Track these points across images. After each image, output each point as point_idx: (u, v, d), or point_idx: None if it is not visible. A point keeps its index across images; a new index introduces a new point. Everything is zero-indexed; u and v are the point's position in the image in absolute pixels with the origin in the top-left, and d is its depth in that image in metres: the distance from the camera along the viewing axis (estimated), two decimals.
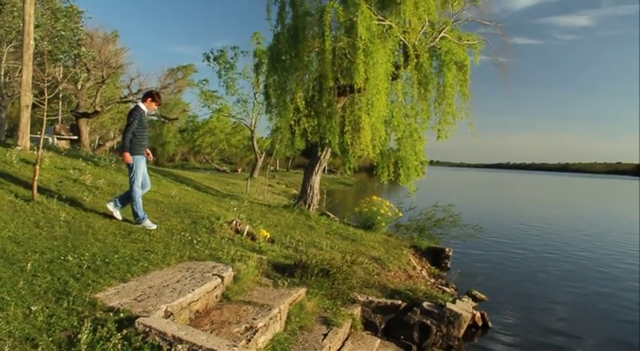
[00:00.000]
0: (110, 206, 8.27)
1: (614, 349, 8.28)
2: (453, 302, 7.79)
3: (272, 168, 61.35)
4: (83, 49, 14.10)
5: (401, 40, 12.68)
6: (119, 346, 3.98)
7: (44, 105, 10.03)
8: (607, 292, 11.81)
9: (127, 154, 8.01)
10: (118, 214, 8.26)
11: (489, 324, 8.89)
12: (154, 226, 8.13)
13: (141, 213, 8.13)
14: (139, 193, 8.15)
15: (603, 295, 11.55)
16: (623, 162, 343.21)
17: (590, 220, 29.38)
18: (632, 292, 11.87)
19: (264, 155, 43.46)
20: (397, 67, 12.66)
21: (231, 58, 36.81)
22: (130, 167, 8.14)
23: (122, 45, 30.73)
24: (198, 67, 39.39)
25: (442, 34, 13.54)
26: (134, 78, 29.03)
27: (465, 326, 7.58)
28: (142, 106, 8.25)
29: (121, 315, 4.44)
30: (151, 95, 8.39)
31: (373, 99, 11.36)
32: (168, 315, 4.80)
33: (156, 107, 8.50)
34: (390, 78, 12.23)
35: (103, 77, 26.22)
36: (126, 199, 8.33)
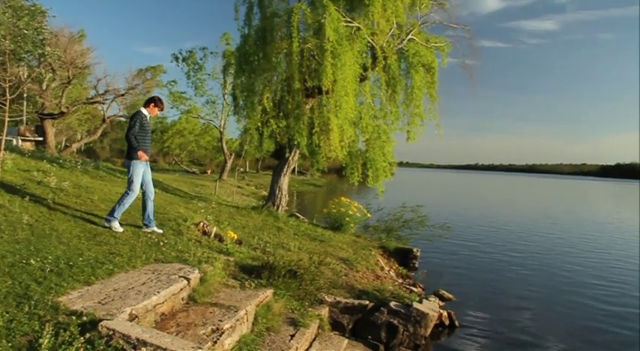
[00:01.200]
0: (148, 229, 8.35)
1: (578, 346, 8.43)
2: (420, 302, 7.86)
3: (242, 169, 61.10)
4: (48, 48, 13.82)
5: (369, 41, 12.74)
6: (82, 350, 3.92)
7: (6, 106, 9.83)
8: (572, 290, 12.06)
9: (141, 152, 8.07)
10: (154, 228, 8.42)
11: (456, 323, 9.00)
12: (121, 229, 8.03)
13: (116, 214, 8.07)
14: (131, 197, 8.16)
15: (568, 293, 11.78)
16: (588, 163, 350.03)
17: (555, 220, 29.90)
18: (596, 289, 12.13)
19: (233, 157, 43.28)
20: (365, 69, 12.71)
21: (201, 59, 36.67)
22: (129, 170, 8.16)
23: (89, 45, 30.20)
24: (167, 68, 39.15)
25: (410, 37, 13.64)
26: (101, 78, 28.53)
27: (431, 325, 7.64)
28: (144, 111, 8.26)
29: (84, 318, 4.37)
30: (153, 100, 8.45)
31: (341, 100, 11.40)
32: (132, 318, 4.75)
33: (159, 112, 8.54)
34: (358, 80, 12.28)
35: (68, 77, 25.77)
36: (144, 208, 8.44)
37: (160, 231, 8.41)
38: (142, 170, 8.18)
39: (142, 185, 8.32)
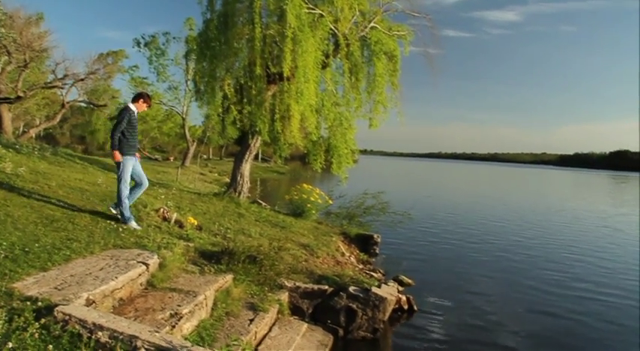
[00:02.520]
0: (135, 226, 8.16)
1: (534, 329, 8.66)
2: (379, 287, 7.97)
3: (205, 156, 60.66)
4: (2, 30, 13.46)
5: (331, 29, 12.75)
6: (37, 335, 3.90)
7: None
8: (528, 275, 12.38)
9: (117, 153, 8.02)
10: (134, 224, 8.18)
11: (415, 307, 9.15)
12: (140, 227, 8.05)
13: (127, 213, 8.12)
14: (125, 193, 8.12)
15: (525, 278, 12.09)
16: (548, 153, 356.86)
17: (515, 208, 30.50)
18: (551, 274, 12.49)
19: (195, 143, 42.88)
20: (327, 56, 12.72)
21: (163, 44, 36.07)
22: (118, 166, 8.12)
23: (47, 28, 29.35)
24: (129, 53, 38.26)
25: (372, 24, 13.69)
26: (60, 63, 27.80)
27: (390, 310, 7.77)
28: (132, 106, 8.23)
29: (40, 304, 4.34)
30: (142, 96, 8.45)
31: (302, 87, 11.41)
32: (90, 303, 4.74)
33: (146, 108, 8.55)
34: (320, 66, 12.30)
35: (25, 61, 25.09)
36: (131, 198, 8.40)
37: (138, 227, 8.25)
38: (131, 165, 8.19)
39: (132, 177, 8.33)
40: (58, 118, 31.04)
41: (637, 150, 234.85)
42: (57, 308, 4.25)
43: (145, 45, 35.92)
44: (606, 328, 8.91)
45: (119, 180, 8.12)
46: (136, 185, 8.42)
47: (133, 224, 8.06)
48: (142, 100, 8.36)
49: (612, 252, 16.35)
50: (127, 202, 8.13)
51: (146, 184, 8.57)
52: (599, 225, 23.85)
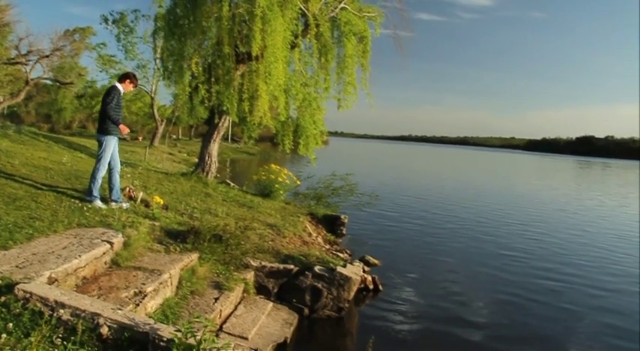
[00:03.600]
0: (115, 205, 8.15)
1: (497, 309, 8.89)
2: (344, 266, 8.05)
3: (174, 136, 59.95)
4: None
5: (301, 8, 12.66)
6: None
7: None
8: (494, 257, 12.65)
9: (123, 126, 8.18)
10: (122, 204, 8.30)
11: (380, 287, 9.29)
12: (105, 206, 8.04)
13: (95, 192, 8.12)
14: (102, 172, 8.15)
15: (491, 260, 12.35)
16: (516, 137, 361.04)
17: (482, 192, 30.98)
18: (518, 256, 12.78)
19: (164, 123, 42.37)
20: (296, 36, 12.65)
21: (132, 22, 35.35)
22: (101, 145, 8.13)
23: (8, 1, 28.46)
24: (97, 30, 37.35)
25: (342, 5, 13.61)
26: (23, 38, 27.03)
27: (354, 289, 7.86)
28: (119, 86, 8.27)
29: (0, 282, 4.31)
30: (128, 77, 8.52)
31: (271, 67, 11.34)
32: (52, 281, 4.72)
33: (132, 88, 8.67)
34: (289, 46, 12.23)
35: None
36: (113, 182, 8.43)
37: (127, 205, 8.38)
38: (113, 145, 8.24)
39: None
40: (22, 95, 30.31)
41: (602, 136, 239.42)
42: (18, 286, 4.23)
43: (113, 22, 35.16)
44: (561, 304, 9.20)
45: (99, 159, 8.15)
46: (110, 170, 8.40)
47: (98, 204, 8.00)
48: (128, 80, 8.45)
49: (574, 234, 16.78)
50: (99, 182, 8.15)
51: (119, 167, 8.58)
52: (563, 208, 24.40)
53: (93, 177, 8.13)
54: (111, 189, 8.41)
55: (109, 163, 8.31)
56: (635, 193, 37.41)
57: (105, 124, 8.08)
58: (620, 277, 11.28)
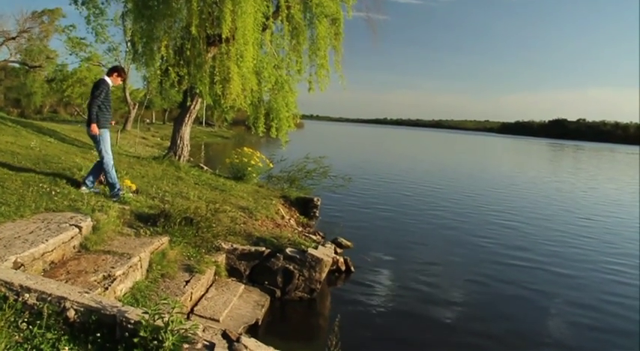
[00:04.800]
0: (85, 190, 8.10)
1: (471, 293, 8.98)
2: (316, 248, 8.09)
3: (148, 121, 59.32)
4: None
5: None
6: None
7: None
8: (467, 241, 12.76)
9: (95, 126, 8.01)
10: (95, 190, 8.34)
11: (352, 269, 9.36)
12: (132, 195, 8.31)
13: (117, 185, 8.19)
14: (111, 163, 8.19)
15: (463, 244, 12.48)
16: (491, 120, 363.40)
17: (455, 174, 31.28)
18: (490, 240, 12.94)
19: (137, 107, 41.85)
20: (267, 18, 12.54)
21: (102, 3, 34.63)
22: (97, 140, 8.14)
23: None
24: (67, 12, 36.65)
25: None
26: None
27: (326, 270, 7.91)
28: (108, 79, 8.21)
29: None
30: (116, 70, 8.47)
31: (242, 49, 11.24)
32: (18, 266, 4.67)
33: (121, 82, 8.70)
34: (261, 29, 12.13)
35: None
36: (97, 172, 8.42)
37: (97, 190, 8.39)
38: (109, 136, 8.29)
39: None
40: None
41: (574, 119, 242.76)
42: None
43: (83, 3, 34.43)
44: (533, 286, 9.37)
45: (101, 153, 8.17)
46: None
47: (130, 195, 8.29)
48: (116, 73, 8.40)
49: (546, 216, 17.06)
50: (114, 173, 8.22)
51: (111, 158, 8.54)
52: (537, 191, 24.79)
53: (107, 173, 8.18)
54: (89, 174, 8.42)
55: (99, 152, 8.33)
56: (604, 176, 38.15)
57: (91, 118, 8.05)
58: (590, 258, 11.57)
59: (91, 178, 8.35)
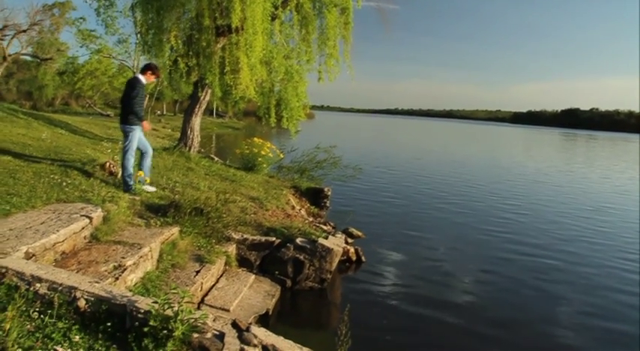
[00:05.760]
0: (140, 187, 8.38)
1: (482, 284, 8.93)
2: (326, 238, 8.08)
3: (159, 112, 59.38)
4: None
5: None
6: None
7: None
8: (480, 232, 12.67)
9: (145, 123, 8.38)
10: (149, 188, 8.56)
11: (363, 259, 9.35)
12: (154, 189, 8.50)
13: (130, 182, 8.16)
14: (131, 161, 8.21)
15: (476, 234, 12.41)
16: (502, 110, 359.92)
17: (466, 165, 31.08)
18: (502, 231, 12.83)
19: (147, 98, 41.90)
20: (277, 8, 12.48)
21: None
22: (127, 136, 8.20)
23: None
24: (77, 5, 36.61)
25: None
26: None
27: (336, 260, 7.91)
28: (142, 78, 8.31)
29: None
30: (150, 68, 8.48)
31: (251, 39, 11.19)
32: (29, 256, 4.70)
33: (154, 80, 8.78)
34: (270, 18, 12.08)
35: None
36: (143, 166, 8.57)
37: (153, 189, 8.57)
38: (139, 134, 8.32)
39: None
40: (0, 71, 29.84)
41: (586, 108, 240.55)
42: None
43: None
44: (543, 278, 9.32)
45: (126, 150, 8.21)
46: (142, 155, 8.54)
47: (148, 188, 8.48)
48: (150, 71, 8.46)
49: (561, 209, 16.90)
50: (131, 171, 8.23)
51: (151, 151, 8.71)
52: (549, 181, 24.63)
53: (124, 168, 8.20)
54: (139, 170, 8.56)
55: (140, 149, 8.45)
56: (619, 166, 37.81)
57: (129, 115, 8.14)
58: (606, 253, 11.32)
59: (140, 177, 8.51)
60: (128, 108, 8.12)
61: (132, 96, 8.11)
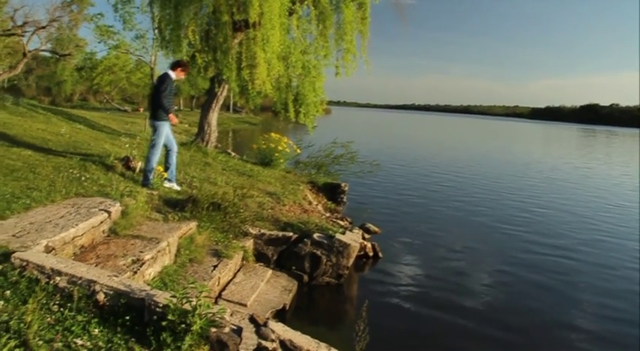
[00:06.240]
0: (167, 185, 8.54)
1: (500, 281, 8.82)
2: (343, 234, 8.06)
3: (176, 107, 59.53)
4: None
5: None
6: None
7: None
8: (497, 228, 12.56)
9: (172, 116, 8.44)
10: (175, 186, 8.67)
11: (380, 254, 9.32)
12: (179, 187, 8.54)
13: (150, 176, 8.30)
14: (156, 156, 8.34)
15: (494, 230, 12.33)
16: (520, 106, 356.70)
17: (484, 161, 30.90)
18: (521, 227, 12.68)
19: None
20: (294, 2, 12.47)
21: None
22: (155, 131, 8.34)
23: None
24: (95, 1, 36.83)
25: None
26: (18, 9, 26.68)
27: (353, 256, 7.89)
28: (172, 73, 8.41)
29: None
30: (180, 64, 8.63)
31: (269, 34, 11.19)
32: (49, 250, 4.74)
33: (183, 76, 8.80)
34: (287, 13, 12.06)
35: None
36: (167, 167, 8.68)
37: (178, 188, 8.62)
38: (166, 130, 8.43)
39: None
40: (20, 67, 30.04)
41: (606, 104, 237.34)
42: (14, 255, 4.25)
43: None
44: (562, 278, 9.19)
45: (153, 144, 8.32)
46: (167, 151, 8.66)
47: (167, 184, 8.53)
48: (180, 68, 8.56)
49: (580, 203, 16.75)
50: (154, 166, 8.33)
51: (176, 148, 8.82)
52: (567, 177, 24.38)
53: (148, 161, 8.30)
54: (166, 168, 8.65)
55: (166, 146, 8.54)
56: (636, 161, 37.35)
57: (158, 110, 8.26)
58: (627, 253, 10.99)
59: (169, 173, 8.65)
60: (157, 103, 8.25)
61: (160, 90, 8.23)
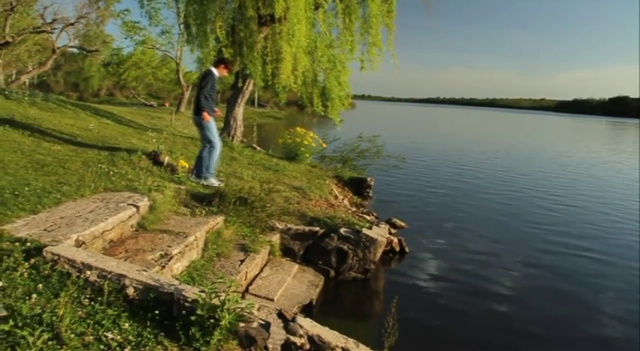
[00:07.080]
0: (200, 181, 8.57)
1: (527, 279, 8.68)
2: (370, 228, 8.02)
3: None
4: None
5: None
6: (26, 274, 3.98)
7: None
8: (527, 224, 12.36)
9: (206, 114, 8.39)
10: (214, 182, 8.66)
11: (407, 249, 9.26)
12: (217, 184, 8.50)
13: (211, 170, 8.60)
14: (219, 150, 8.65)
15: (523, 226, 12.13)
16: (547, 98, 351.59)
17: (512, 155, 30.55)
18: (550, 223, 12.48)
19: (190, 89, 42.39)
20: None
21: None
22: (204, 128, 8.50)
23: None
24: None
25: None
26: (48, 6, 27.18)
27: (380, 251, 7.85)
28: (214, 71, 8.54)
29: (29, 245, 4.40)
30: (223, 62, 8.85)
31: (294, 28, 11.16)
32: (79, 244, 4.79)
33: (226, 73, 9.01)
34: (313, 7, 12.04)
35: (11, 4, 24.45)
36: (199, 164, 8.73)
37: (217, 183, 8.60)
38: (213, 125, 8.61)
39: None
40: (49, 64, 30.59)
41: (636, 96, 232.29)
42: (46, 248, 4.31)
43: None
44: (590, 278, 9.02)
45: (208, 139, 8.57)
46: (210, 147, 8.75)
47: (212, 180, 8.60)
48: (222, 65, 8.73)
49: (613, 199, 16.41)
50: (215, 160, 8.65)
51: (220, 144, 8.90)
52: (596, 173, 23.93)
53: (201, 158, 8.57)
54: (195, 167, 8.79)
55: (212, 141, 8.66)
56: None
57: (200, 107, 8.38)
58: None
59: (199, 170, 8.68)
60: (199, 100, 8.38)
61: (202, 86, 8.37)
